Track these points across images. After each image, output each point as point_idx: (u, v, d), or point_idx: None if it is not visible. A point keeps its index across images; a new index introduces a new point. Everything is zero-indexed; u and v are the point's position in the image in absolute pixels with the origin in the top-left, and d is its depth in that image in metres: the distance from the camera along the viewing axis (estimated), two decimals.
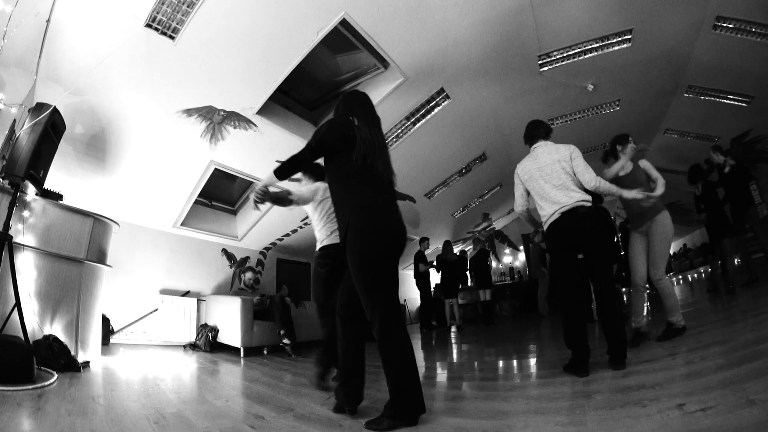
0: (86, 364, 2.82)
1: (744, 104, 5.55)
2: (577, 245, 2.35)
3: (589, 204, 2.33)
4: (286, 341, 4.33)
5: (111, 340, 4.25)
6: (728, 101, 5.58)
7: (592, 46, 4.43)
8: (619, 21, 4.11)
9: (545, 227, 2.43)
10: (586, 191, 2.38)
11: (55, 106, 2.57)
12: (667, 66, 4.96)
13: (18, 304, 2.27)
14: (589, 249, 2.31)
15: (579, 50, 4.48)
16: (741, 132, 6.23)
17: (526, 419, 1.57)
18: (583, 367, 2.18)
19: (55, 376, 2.29)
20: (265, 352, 4.54)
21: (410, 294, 9.73)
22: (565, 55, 4.52)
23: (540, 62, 4.53)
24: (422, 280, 7.15)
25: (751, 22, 4.15)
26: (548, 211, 2.36)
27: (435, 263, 7.14)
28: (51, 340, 2.52)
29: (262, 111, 3.96)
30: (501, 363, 3.14)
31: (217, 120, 3.92)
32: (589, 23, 4.09)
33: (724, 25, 4.26)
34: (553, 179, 2.36)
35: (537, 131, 2.63)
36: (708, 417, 1.27)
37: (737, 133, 6.29)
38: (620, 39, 4.36)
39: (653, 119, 6.42)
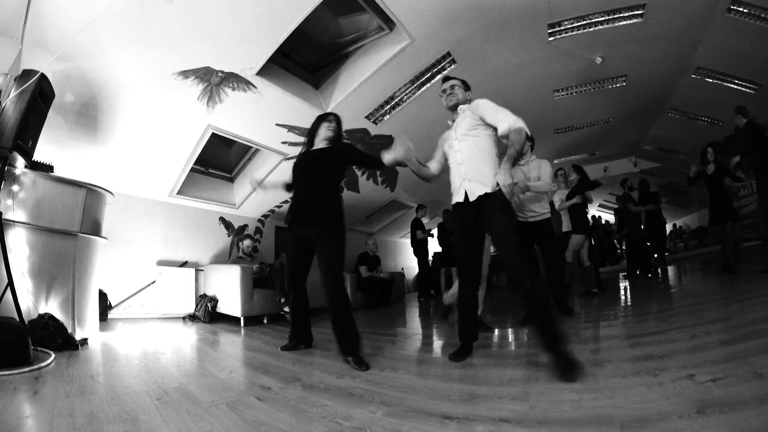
0: (84, 341, 2.77)
1: (751, 91, 5.48)
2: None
3: None
4: (286, 309, 4.31)
5: (109, 315, 4.20)
6: (734, 86, 5.50)
7: (604, 18, 4.26)
8: None
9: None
10: None
11: (42, 72, 2.38)
12: (677, 45, 4.83)
13: (11, 284, 2.19)
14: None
15: (590, 21, 4.30)
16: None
17: (539, 386, 1.58)
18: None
19: (53, 356, 2.24)
20: (265, 321, 4.53)
21: (408, 263, 9.78)
22: (575, 25, 4.33)
23: (549, 31, 4.35)
24: (420, 248, 7.12)
25: (766, 8, 4.04)
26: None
27: (432, 231, 7.14)
28: (47, 319, 2.44)
29: (262, 72, 3.76)
30: (501, 331, 3.16)
31: (214, 81, 3.72)
32: None
33: (739, 9, 4.14)
34: None
35: None
36: (719, 388, 1.30)
37: None
38: (632, 13, 4.21)
39: (658, 97, 6.30)
